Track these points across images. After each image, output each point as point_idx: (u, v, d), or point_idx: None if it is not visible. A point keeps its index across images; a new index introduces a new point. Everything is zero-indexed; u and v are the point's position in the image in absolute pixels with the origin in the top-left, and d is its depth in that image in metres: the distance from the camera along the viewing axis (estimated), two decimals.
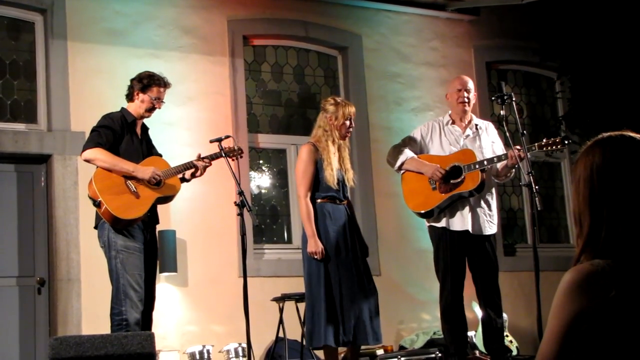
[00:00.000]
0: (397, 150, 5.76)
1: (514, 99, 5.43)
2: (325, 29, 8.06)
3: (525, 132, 5.47)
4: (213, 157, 5.43)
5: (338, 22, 8.10)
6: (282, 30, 7.90)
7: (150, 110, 5.34)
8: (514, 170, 5.66)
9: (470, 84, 5.80)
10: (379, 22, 8.27)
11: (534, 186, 5.02)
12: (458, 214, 5.55)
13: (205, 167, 5.40)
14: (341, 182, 5.43)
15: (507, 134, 5.46)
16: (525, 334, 7.68)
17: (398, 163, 5.70)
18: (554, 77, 9.15)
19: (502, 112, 5.41)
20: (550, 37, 8.77)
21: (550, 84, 9.23)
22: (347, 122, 5.45)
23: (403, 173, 5.74)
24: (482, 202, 5.59)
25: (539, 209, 5.02)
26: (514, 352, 7.03)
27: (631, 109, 7.92)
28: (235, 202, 5.24)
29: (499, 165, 5.61)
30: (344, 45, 8.14)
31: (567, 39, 8.63)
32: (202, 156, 5.40)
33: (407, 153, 5.70)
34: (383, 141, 7.87)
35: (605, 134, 1.98)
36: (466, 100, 5.73)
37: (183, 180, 5.45)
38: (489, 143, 5.72)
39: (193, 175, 5.44)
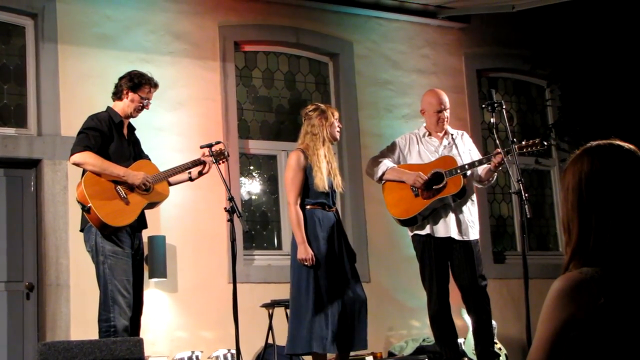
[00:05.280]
0: (375, 161, 5.77)
1: (504, 106, 5.45)
2: (317, 35, 8.06)
3: (515, 139, 5.48)
4: (213, 154, 5.34)
5: (329, 29, 8.11)
6: (273, 36, 7.91)
7: (139, 110, 5.26)
8: (496, 174, 5.68)
9: (446, 100, 5.80)
10: (370, 29, 8.29)
11: (523, 194, 5.04)
12: (441, 220, 5.58)
13: (210, 163, 5.32)
14: (330, 187, 5.43)
15: (498, 141, 5.47)
16: (514, 341, 7.68)
17: (379, 174, 5.71)
18: (544, 85, 9.17)
19: (492, 120, 5.42)
20: (541, 45, 8.81)
21: (540, 91, 9.25)
22: (336, 122, 5.47)
23: (384, 183, 5.75)
24: (463, 208, 5.62)
25: (528, 216, 5.03)
26: (503, 359, 7.04)
27: (621, 117, 7.96)
28: (225, 208, 5.21)
29: (482, 170, 5.63)
30: (335, 52, 8.15)
31: (558, 47, 8.67)
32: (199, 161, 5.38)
33: (387, 163, 5.72)
34: (373, 148, 7.85)
35: (594, 143, 1.99)
36: (446, 119, 5.75)
37: (189, 179, 5.40)
38: (466, 150, 5.76)
39: (200, 173, 5.40)
